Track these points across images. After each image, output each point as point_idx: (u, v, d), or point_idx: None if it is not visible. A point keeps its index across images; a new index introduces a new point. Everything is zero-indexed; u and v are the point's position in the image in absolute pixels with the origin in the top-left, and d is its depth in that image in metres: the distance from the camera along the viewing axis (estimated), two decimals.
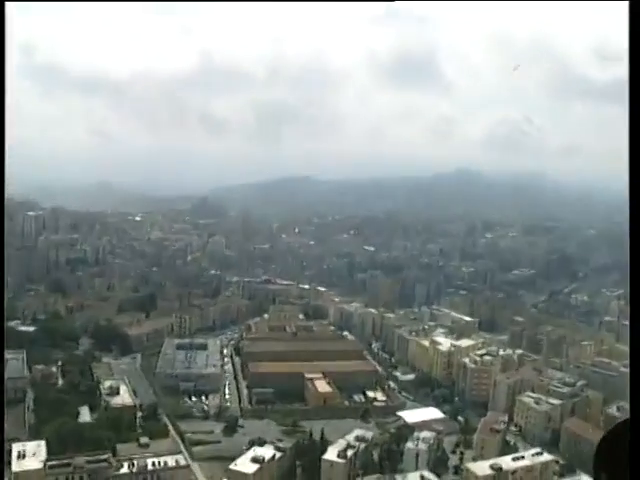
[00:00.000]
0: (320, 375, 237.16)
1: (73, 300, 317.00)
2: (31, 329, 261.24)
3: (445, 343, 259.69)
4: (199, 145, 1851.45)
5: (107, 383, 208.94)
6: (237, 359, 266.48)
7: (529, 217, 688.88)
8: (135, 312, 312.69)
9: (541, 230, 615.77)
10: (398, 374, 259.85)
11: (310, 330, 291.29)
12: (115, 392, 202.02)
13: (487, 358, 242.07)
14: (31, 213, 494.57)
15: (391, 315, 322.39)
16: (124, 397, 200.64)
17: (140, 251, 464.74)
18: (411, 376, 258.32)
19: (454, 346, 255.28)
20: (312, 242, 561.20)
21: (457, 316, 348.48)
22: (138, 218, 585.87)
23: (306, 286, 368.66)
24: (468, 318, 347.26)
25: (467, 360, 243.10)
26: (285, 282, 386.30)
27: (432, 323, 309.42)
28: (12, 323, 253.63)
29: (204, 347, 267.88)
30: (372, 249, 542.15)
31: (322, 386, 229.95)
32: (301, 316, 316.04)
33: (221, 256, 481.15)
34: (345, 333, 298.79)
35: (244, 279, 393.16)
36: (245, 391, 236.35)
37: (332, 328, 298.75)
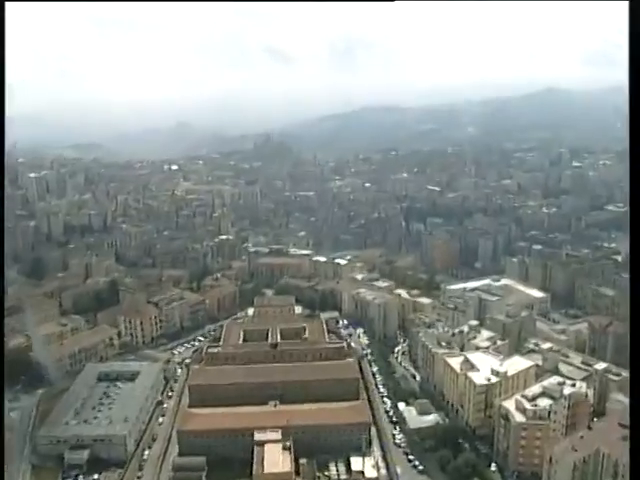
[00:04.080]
0: (277, 435, 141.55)
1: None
2: None
3: (484, 366, 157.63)
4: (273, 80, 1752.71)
5: None
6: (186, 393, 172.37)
7: (626, 141, 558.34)
8: (86, 313, 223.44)
9: None
10: (410, 414, 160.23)
11: (299, 336, 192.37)
12: None
13: (544, 404, 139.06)
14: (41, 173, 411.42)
15: (425, 301, 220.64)
16: None
17: (155, 211, 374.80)
18: (430, 419, 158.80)
19: (496, 373, 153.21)
20: (367, 184, 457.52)
21: (523, 291, 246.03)
22: (175, 167, 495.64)
23: (322, 258, 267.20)
24: (537, 293, 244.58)
25: (512, 407, 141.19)
26: (299, 252, 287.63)
27: (483, 316, 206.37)
28: None
29: (133, 377, 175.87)
30: (437, 189, 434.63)
31: (273, 458, 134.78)
32: (299, 309, 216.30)
33: (249, 212, 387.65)
34: (349, 342, 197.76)
35: (250, 249, 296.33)
36: (171, 460, 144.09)
37: (328, 337, 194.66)
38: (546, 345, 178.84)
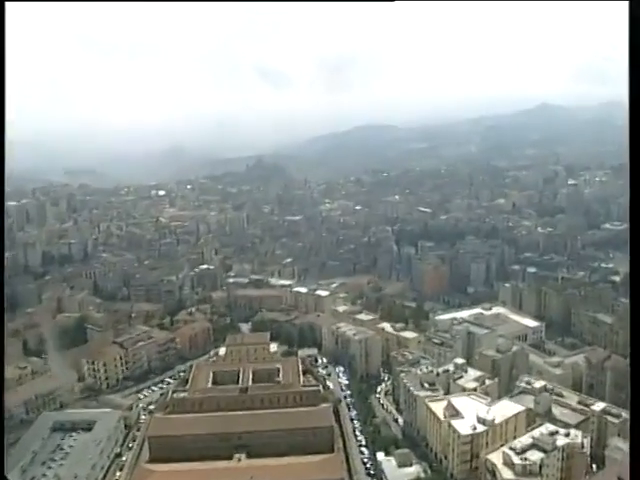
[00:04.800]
0: None
1: None
2: None
3: (469, 412, 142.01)
4: (265, 102, 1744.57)
5: None
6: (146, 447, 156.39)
7: (622, 156, 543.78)
8: (57, 351, 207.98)
9: None
10: (390, 465, 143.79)
11: (272, 379, 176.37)
12: None
13: (535, 458, 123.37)
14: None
15: (410, 335, 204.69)
16: None
17: (137, 239, 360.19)
18: (411, 471, 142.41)
19: (482, 421, 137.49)
20: (358, 207, 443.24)
21: (516, 320, 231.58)
22: (162, 192, 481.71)
23: (303, 289, 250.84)
24: (531, 322, 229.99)
25: (499, 461, 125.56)
26: (280, 282, 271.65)
27: (472, 351, 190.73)
28: None
29: (90, 427, 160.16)
30: (428, 211, 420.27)
31: None
32: (274, 347, 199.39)
33: (235, 238, 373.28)
34: (326, 384, 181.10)
35: (230, 279, 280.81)
36: None
37: (304, 378, 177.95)
38: (539, 384, 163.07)
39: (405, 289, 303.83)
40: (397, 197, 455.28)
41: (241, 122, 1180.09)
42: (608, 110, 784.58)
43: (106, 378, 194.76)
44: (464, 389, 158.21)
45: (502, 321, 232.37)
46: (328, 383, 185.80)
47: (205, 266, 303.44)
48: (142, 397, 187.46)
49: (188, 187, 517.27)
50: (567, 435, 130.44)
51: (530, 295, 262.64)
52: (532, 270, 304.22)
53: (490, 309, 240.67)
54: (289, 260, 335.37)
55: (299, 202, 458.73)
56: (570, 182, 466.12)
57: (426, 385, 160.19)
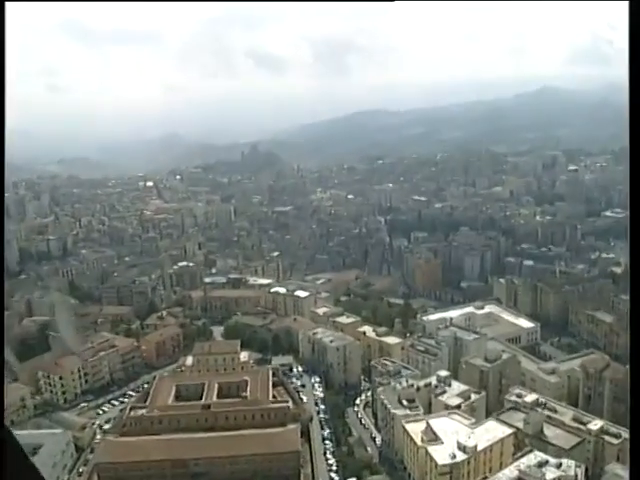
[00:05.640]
0: None
1: None
2: None
3: (449, 436, 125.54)
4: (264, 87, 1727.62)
5: None
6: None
7: (623, 139, 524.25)
8: (16, 361, 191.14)
9: None
10: None
11: (239, 393, 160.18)
12: None
13: None
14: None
15: (393, 341, 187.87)
16: None
17: (119, 234, 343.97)
18: None
19: (463, 448, 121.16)
20: (350, 195, 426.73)
21: (509, 320, 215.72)
22: (150, 184, 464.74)
23: (282, 289, 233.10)
24: (526, 322, 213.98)
25: None
26: (259, 281, 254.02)
27: (458, 360, 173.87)
28: None
29: (35, 450, 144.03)
30: (423, 199, 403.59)
31: None
32: (245, 356, 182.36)
33: (221, 232, 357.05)
34: (298, 398, 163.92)
35: (207, 278, 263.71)
36: None
37: (275, 392, 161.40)
38: (530, 397, 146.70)
39: (395, 284, 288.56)
40: (391, 185, 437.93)
41: (240, 108, 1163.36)
42: (609, 92, 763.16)
43: (63, 392, 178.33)
44: (446, 406, 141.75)
45: (494, 321, 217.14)
46: (302, 396, 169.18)
47: (185, 263, 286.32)
48: (100, 413, 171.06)
49: (177, 177, 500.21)
50: (558, 466, 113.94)
51: (525, 291, 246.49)
52: (529, 263, 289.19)
53: (482, 308, 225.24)
54: (276, 254, 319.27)
55: (290, 192, 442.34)
56: (570, 168, 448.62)
57: (405, 402, 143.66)
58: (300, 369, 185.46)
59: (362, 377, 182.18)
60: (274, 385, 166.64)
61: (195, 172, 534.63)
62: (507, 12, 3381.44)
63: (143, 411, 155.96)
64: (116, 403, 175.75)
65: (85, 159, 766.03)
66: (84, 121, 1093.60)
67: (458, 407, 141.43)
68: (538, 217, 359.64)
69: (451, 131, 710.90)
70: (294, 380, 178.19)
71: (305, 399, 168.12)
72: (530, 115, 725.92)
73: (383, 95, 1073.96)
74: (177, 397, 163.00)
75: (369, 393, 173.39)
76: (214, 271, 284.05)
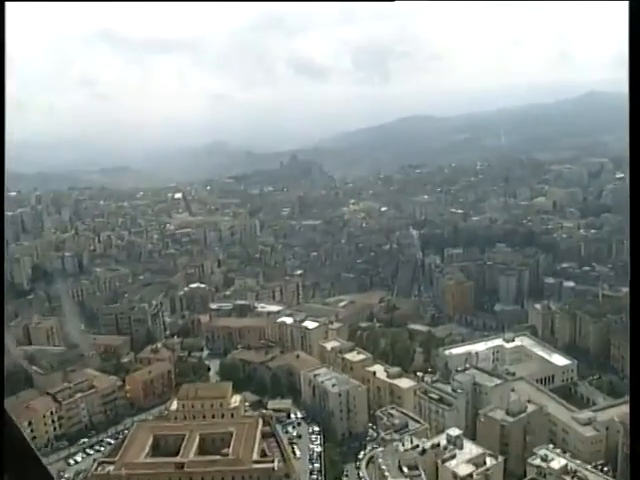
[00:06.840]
0: None
1: None
2: None
3: None
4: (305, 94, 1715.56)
5: None
6: None
7: None
8: None
9: None
10: None
11: (221, 448, 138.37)
12: None
13: None
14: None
15: (405, 384, 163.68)
16: None
17: (137, 250, 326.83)
18: None
19: None
20: (384, 208, 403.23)
21: (542, 356, 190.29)
22: (178, 195, 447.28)
23: (289, 320, 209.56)
24: (561, 359, 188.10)
25: None
26: (267, 308, 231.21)
27: (476, 411, 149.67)
28: None
29: None
30: (460, 211, 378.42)
31: None
32: (236, 400, 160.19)
33: (244, 248, 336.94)
34: (288, 456, 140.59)
35: (212, 304, 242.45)
36: None
37: (265, 444, 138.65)
38: (558, 463, 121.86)
39: (423, 308, 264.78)
40: (427, 197, 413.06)
41: (282, 117, 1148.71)
42: None
43: (33, 438, 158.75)
44: (455, 476, 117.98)
45: (525, 356, 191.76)
46: (295, 450, 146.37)
47: (196, 285, 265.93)
48: (72, 463, 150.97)
49: (207, 188, 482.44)
50: None
51: (563, 319, 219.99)
52: (569, 284, 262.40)
53: (512, 340, 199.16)
54: (298, 273, 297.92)
55: (322, 204, 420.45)
56: (618, 176, 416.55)
57: (405, 469, 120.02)
58: (298, 415, 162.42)
59: (369, 425, 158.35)
60: (265, 436, 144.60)
61: (227, 182, 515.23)
62: (553, 16, 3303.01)
63: (110, 468, 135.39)
64: (91, 452, 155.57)
65: (126, 168, 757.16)
66: (130, 130, 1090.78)
67: (470, 477, 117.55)
68: (582, 231, 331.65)
69: (494, 138, 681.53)
70: (290, 429, 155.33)
71: (299, 454, 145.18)
72: (576, 121, 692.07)
73: (427, 101, 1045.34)
74: (153, 449, 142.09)
75: (375, 444, 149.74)
76: (229, 293, 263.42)
